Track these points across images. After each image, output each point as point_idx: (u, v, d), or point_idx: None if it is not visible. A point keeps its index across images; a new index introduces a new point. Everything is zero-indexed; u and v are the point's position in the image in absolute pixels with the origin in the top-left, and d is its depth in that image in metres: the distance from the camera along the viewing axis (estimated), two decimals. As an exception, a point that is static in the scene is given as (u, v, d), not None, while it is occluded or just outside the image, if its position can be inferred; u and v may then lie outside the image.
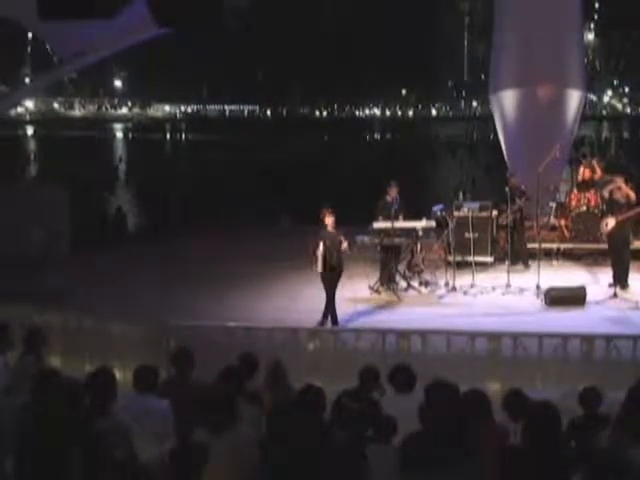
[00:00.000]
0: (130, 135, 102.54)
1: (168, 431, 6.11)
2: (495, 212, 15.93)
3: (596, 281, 14.90)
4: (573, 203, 17.05)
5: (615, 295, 13.79)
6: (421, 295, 14.38)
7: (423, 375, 7.06)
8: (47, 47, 16.82)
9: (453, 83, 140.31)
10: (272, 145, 65.28)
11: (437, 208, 16.34)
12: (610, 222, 14.09)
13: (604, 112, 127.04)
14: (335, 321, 12.40)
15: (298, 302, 13.79)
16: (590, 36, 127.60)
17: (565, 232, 16.89)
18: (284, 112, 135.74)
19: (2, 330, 8.33)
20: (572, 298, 13.36)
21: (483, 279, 14.89)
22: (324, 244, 12.25)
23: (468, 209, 15.82)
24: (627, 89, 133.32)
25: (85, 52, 16.30)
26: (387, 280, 14.28)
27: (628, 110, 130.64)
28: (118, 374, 7.26)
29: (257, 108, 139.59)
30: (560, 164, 18.30)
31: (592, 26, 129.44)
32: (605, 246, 15.08)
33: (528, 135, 18.57)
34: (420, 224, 14.66)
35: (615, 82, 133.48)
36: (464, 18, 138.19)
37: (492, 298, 14.05)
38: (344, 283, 12.76)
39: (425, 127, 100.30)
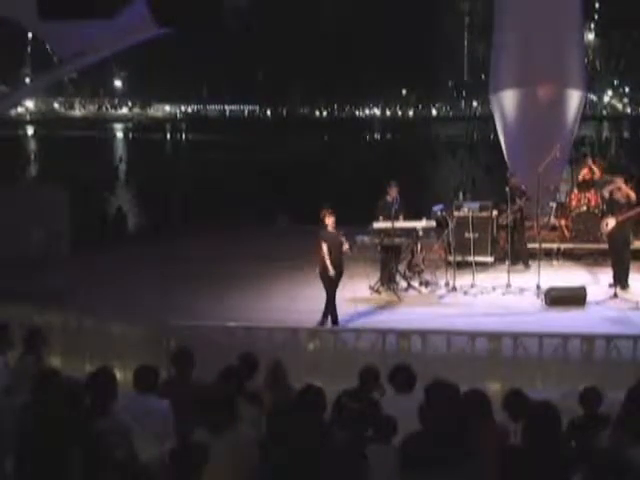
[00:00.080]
0: (130, 135, 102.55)
1: (168, 431, 6.11)
2: (495, 212, 15.93)
3: (596, 281, 14.90)
4: (573, 203, 17.05)
5: (615, 295, 13.79)
6: (421, 295, 14.38)
7: (423, 375, 7.06)
8: (47, 47, 16.78)
9: (453, 83, 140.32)
10: (272, 145, 65.30)
11: (437, 208, 16.34)
12: (610, 222, 14.09)
13: (604, 112, 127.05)
14: (335, 321, 12.40)
15: (298, 302, 13.79)
16: (590, 36, 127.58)
17: (565, 232, 16.89)
18: (284, 112, 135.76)
19: (2, 330, 8.33)
20: (572, 298, 13.35)
21: (483, 279, 14.89)
22: (326, 245, 12.24)
23: (468, 209, 15.82)
24: (627, 89, 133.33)
25: (85, 52, 16.29)
26: (387, 280, 14.28)
27: (628, 110, 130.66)
28: (118, 374, 7.24)
29: (257, 108, 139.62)
30: (560, 164, 18.30)
31: (592, 26, 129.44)
32: (605, 246, 15.08)
33: (528, 135, 18.57)
34: (420, 224, 14.66)
35: (615, 82, 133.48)
36: (464, 18, 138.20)
37: (492, 298, 14.05)
38: (344, 283, 12.76)
39: (425, 127, 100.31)
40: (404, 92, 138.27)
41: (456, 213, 15.72)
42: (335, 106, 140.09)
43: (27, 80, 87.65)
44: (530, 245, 16.11)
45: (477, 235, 15.61)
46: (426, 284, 14.71)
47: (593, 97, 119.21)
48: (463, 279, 14.67)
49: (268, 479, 5.06)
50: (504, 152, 19.67)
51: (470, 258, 15.20)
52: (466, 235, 15.52)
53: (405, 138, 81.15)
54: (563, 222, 16.99)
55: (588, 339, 10.14)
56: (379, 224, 14.32)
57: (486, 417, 5.67)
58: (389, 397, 6.87)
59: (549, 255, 16.48)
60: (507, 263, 15.05)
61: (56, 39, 16.05)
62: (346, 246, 12.44)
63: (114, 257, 18.32)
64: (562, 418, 5.12)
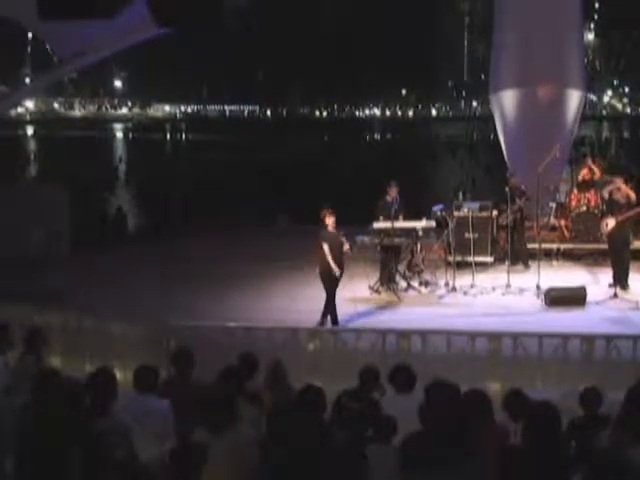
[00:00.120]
0: (130, 135, 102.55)
1: (168, 431, 6.11)
2: (495, 212, 15.93)
3: (596, 281, 14.90)
4: (573, 203, 17.05)
5: (615, 295, 13.79)
6: (421, 295, 14.38)
7: (423, 375, 7.06)
8: (47, 47, 16.77)
9: (453, 83, 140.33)
10: (272, 145, 65.30)
11: (437, 208, 16.34)
12: (610, 222, 14.08)
13: (604, 112, 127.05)
14: (335, 321, 12.40)
15: (298, 302, 13.79)
16: (590, 36, 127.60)
17: (565, 232, 16.89)
18: (284, 112, 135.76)
19: (2, 330, 8.33)
20: (572, 298, 13.35)
21: (483, 279, 14.89)
22: (327, 245, 12.24)
23: (468, 209, 15.82)
24: (627, 89, 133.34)
25: (85, 52, 16.30)
26: (387, 280, 14.28)
27: (628, 110, 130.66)
28: (118, 374, 7.25)
29: (257, 108, 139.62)
30: (560, 164, 18.30)
31: (592, 26, 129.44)
32: (605, 246, 15.07)
33: (528, 135, 18.56)
34: (420, 224, 14.66)
35: (615, 82, 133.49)
36: (464, 18, 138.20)
37: (492, 298, 14.05)
38: (344, 283, 12.75)
39: (425, 127, 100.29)
40: (404, 92, 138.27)
41: (456, 213, 15.72)
42: (335, 106, 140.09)
43: (27, 80, 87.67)
44: (530, 245, 16.11)
45: (477, 235, 15.61)
46: (426, 284, 14.71)
47: (593, 97, 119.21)
48: (463, 279, 14.67)
49: (268, 479, 5.06)
50: (504, 152, 19.67)
51: (470, 258, 15.20)
52: (466, 235, 15.51)
53: (405, 138, 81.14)
54: (563, 222, 16.99)
55: (588, 339, 10.14)
56: (379, 224, 14.32)
57: (486, 417, 5.67)
58: (389, 397, 6.87)
59: (549, 255, 16.47)
60: (507, 263, 15.05)
61: (56, 39, 16.05)
62: (346, 246, 12.44)
63: (114, 257, 18.32)
64: (562, 418, 5.12)
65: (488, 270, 15.66)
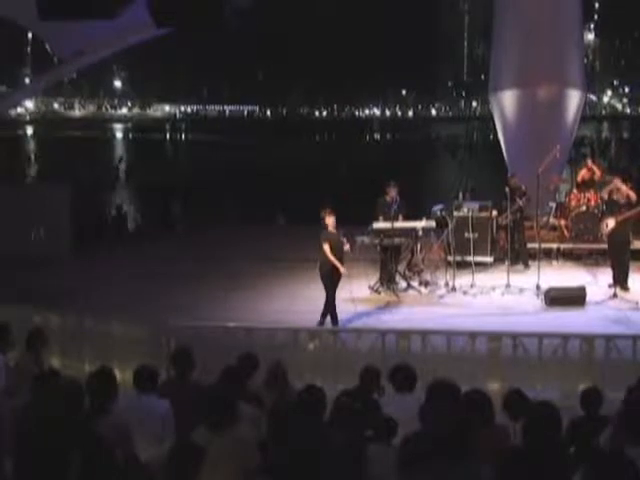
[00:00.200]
0: (130, 135, 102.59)
1: (168, 431, 6.11)
2: (495, 212, 15.93)
3: (596, 281, 14.89)
4: (573, 203, 17.04)
5: (615, 295, 13.78)
6: (421, 295, 14.37)
7: (423, 375, 7.07)
8: (47, 47, 16.75)
9: (453, 83, 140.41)
10: (272, 145, 65.33)
11: (437, 208, 16.33)
12: (610, 223, 14.07)
13: (604, 112, 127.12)
14: (335, 321, 12.39)
15: (298, 302, 13.79)
16: (590, 36, 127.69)
17: (565, 232, 16.88)
18: (284, 112, 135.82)
19: (2, 330, 8.32)
20: (572, 298, 13.35)
21: (483, 279, 14.88)
22: (328, 245, 12.23)
23: (468, 209, 15.82)
24: (627, 89, 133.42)
25: (85, 52, 16.30)
26: (387, 280, 14.28)
27: (628, 110, 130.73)
28: (118, 374, 7.25)
29: (257, 108, 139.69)
30: (560, 164, 18.30)
31: (592, 26, 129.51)
32: (605, 246, 15.06)
33: (528, 135, 18.56)
34: (420, 224, 14.65)
35: (615, 82, 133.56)
36: (464, 18, 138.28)
37: (492, 298, 14.04)
38: (344, 283, 12.75)
39: (425, 127, 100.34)
40: (404, 92, 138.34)
41: (456, 213, 15.71)
42: (335, 106, 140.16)
43: (27, 80, 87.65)
44: (530, 245, 16.11)
45: (477, 235, 15.61)
46: (426, 284, 14.70)
47: (593, 97, 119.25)
48: (463, 279, 14.67)
49: (268, 479, 5.06)
50: (504, 152, 19.66)
51: (470, 258, 15.20)
52: (466, 235, 15.51)
53: (405, 138, 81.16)
54: (563, 222, 16.98)
55: (588, 339, 10.13)
56: (379, 224, 14.31)
57: (487, 417, 5.67)
58: (389, 397, 6.87)
59: (549, 255, 16.47)
60: (507, 263, 15.05)
61: (56, 39, 16.05)
62: (347, 246, 12.44)
63: (114, 257, 18.33)
64: (562, 418, 5.12)
65: (488, 270, 15.66)
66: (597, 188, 16.77)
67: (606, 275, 14.55)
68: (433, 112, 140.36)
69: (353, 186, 32.50)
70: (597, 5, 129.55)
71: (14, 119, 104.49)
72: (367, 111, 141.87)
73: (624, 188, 14.29)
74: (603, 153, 54.48)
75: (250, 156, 54.70)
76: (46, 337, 8.58)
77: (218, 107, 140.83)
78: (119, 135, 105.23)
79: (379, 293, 14.25)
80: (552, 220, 17.30)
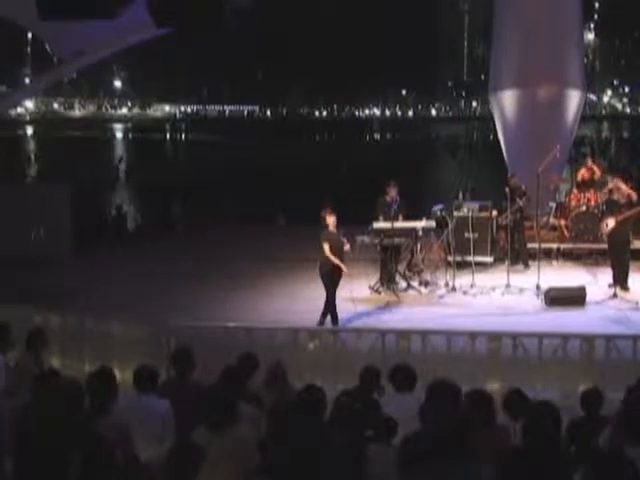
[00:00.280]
0: (130, 135, 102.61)
1: (168, 431, 6.11)
2: (495, 212, 15.93)
3: (596, 281, 14.89)
4: (573, 203, 17.04)
5: (615, 295, 13.78)
6: (421, 295, 14.37)
7: (423, 375, 7.07)
8: (47, 47, 16.76)
9: (453, 83, 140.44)
10: (272, 145, 65.34)
11: (437, 208, 16.33)
12: (610, 222, 14.07)
13: (604, 112, 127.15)
14: (336, 321, 12.39)
15: (298, 302, 13.79)
16: (590, 36, 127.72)
17: (565, 232, 16.88)
18: (284, 112, 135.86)
19: (2, 330, 8.32)
20: (572, 298, 13.35)
21: (483, 279, 14.88)
22: (328, 245, 12.23)
23: (468, 209, 15.82)
24: (627, 89, 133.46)
25: (85, 52, 16.29)
26: (387, 280, 14.28)
27: (628, 110, 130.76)
28: (118, 374, 7.25)
29: (257, 108, 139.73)
30: (560, 164, 18.30)
31: (592, 26, 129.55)
32: (605, 246, 15.06)
33: (528, 135, 18.57)
34: (420, 224, 14.65)
35: (615, 82, 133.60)
36: (464, 18, 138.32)
37: (492, 298, 14.04)
38: (344, 283, 12.75)
39: (425, 127, 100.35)
40: (404, 92, 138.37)
41: (456, 213, 15.71)
42: (335, 106, 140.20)
43: (27, 80, 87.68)
44: (530, 245, 16.11)
45: (477, 235, 15.61)
46: (426, 284, 14.70)
47: (593, 97, 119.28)
48: (463, 279, 14.67)
49: (268, 479, 5.06)
50: (504, 152, 19.67)
51: (470, 258, 15.20)
52: (466, 235, 15.51)
53: (405, 138, 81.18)
54: (563, 222, 16.98)
55: (588, 339, 10.13)
56: (379, 224, 14.31)
57: (488, 417, 5.67)
58: (389, 397, 6.87)
59: (549, 255, 16.47)
60: (507, 263, 15.05)
61: (56, 39, 16.05)
62: (347, 246, 12.43)
63: (114, 257, 18.33)
64: (562, 418, 5.12)
65: (488, 270, 15.66)
66: (597, 188, 16.78)
67: (606, 275, 14.55)
68: (433, 112, 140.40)
69: (353, 186, 32.49)
70: (597, 5, 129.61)
71: (14, 119, 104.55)
72: (367, 111, 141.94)
73: (624, 188, 14.30)
74: (603, 153, 54.55)
75: (250, 156, 54.72)
76: (46, 337, 8.58)
77: (218, 107, 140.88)
78: (119, 135, 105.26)
79: (379, 293, 14.25)
80: (552, 220, 17.30)
